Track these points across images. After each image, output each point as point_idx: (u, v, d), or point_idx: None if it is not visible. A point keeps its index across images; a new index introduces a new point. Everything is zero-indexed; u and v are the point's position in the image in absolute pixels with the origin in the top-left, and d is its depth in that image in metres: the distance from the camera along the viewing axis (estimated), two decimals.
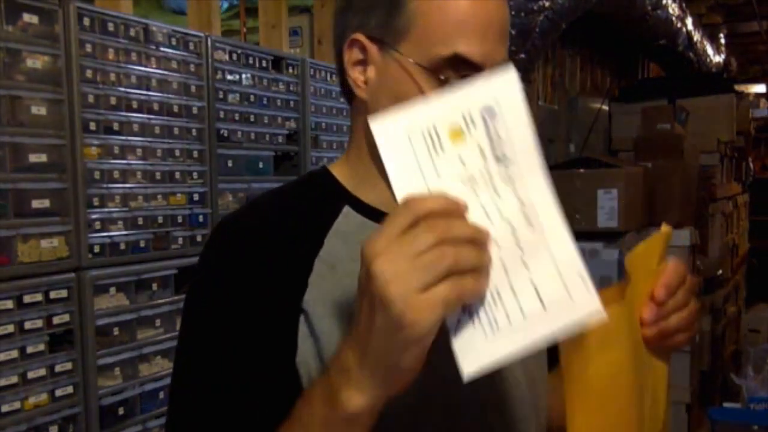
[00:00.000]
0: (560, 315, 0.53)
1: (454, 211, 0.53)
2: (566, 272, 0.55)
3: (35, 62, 1.23)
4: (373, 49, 0.73)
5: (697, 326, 0.74)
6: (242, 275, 0.71)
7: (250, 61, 1.72)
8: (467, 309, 0.53)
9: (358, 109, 0.79)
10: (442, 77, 0.69)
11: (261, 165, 1.75)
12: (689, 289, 0.69)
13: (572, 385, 0.62)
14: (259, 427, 0.67)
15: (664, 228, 0.69)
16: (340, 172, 0.81)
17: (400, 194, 0.54)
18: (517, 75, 0.57)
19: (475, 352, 0.52)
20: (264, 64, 1.76)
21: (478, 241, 0.53)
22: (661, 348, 0.70)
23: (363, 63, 0.74)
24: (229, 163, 1.65)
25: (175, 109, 1.51)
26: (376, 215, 0.76)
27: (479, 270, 0.52)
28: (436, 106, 0.56)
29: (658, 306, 0.66)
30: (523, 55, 3.38)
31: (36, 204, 1.24)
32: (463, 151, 0.55)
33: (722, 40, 6.87)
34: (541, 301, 0.53)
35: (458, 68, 0.69)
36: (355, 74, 0.75)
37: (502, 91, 0.56)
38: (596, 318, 0.54)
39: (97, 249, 1.34)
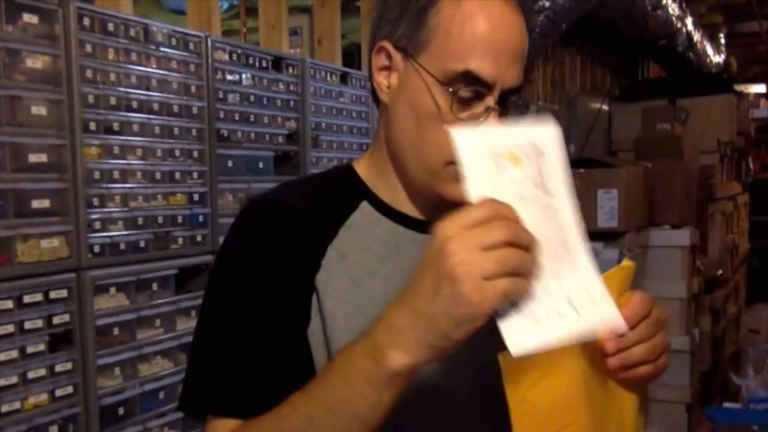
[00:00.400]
0: (589, 318, 0.64)
1: (519, 220, 0.61)
2: (591, 288, 0.67)
3: (35, 62, 1.23)
4: (397, 57, 0.80)
5: (665, 360, 0.72)
6: (264, 250, 0.79)
7: (250, 61, 1.72)
8: (513, 303, 0.61)
9: (382, 112, 0.85)
10: (452, 89, 0.75)
11: (261, 165, 1.75)
12: (654, 322, 0.71)
13: (515, 407, 0.66)
14: (272, 387, 0.72)
15: (626, 262, 0.73)
16: (362, 168, 0.88)
17: (474, 194, 0.63)
18: (560, 129, 0.68)
19: (520, 336, 0.60)
20: (264, 64, 1.76)
21: (534, 249, 0.61)
22: (628, 379, 0.71)
23: (388, 69, 0.81)
24: (229, 163, 1.65)
25: (175, 109, 1.51)
26: (390, 212, 0.84)
27: (533, 273, 0.60)
28: (501, 133, 0.67)
29: (618, 336, 0.68)
30: None
31: (36, 204, 1.24)
32: (519, 174, 0.65)
33: (722, 40, 6.86)
34: (572, 305, 0.64)
35: (469, 84, 0.75)
36: (380, 79, 0.82)
37: (549, 137, 0.68)
38: (617, 325, 0.65)
39: (97, 249, 1.34)
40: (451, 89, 0.75)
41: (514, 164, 0.65)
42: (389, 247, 0.82)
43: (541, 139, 0.67)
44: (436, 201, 0.81)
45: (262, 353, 0.76)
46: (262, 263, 0.78)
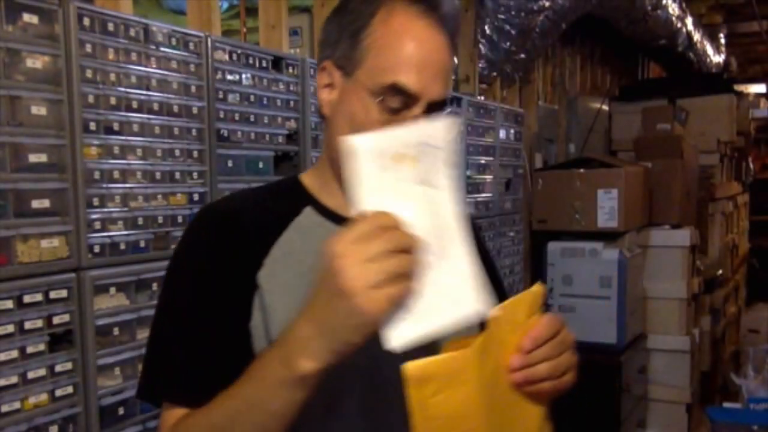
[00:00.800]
0: (464, 307, 0.70)
1: (399, 225, 0.68)
2: (467, 278, 0.71)
3: (35, 62, 1.23)
4: (336, 74, 0.90)
5: (570, 377, 0.80)
6: (208, 252, 0.89)
7: (250, 61, 1.72)
8: (401, 303, 0.68)
9: (326, 126, 0.95)
10: (381, 100, 0.85)
11: (261, 165, 1.75)
12: (560, 342, 0.77)
13: (416, 412, 0.71)
14: (213, 377, 0.81)
15: (536, 287, 0.77)
16: (308, 179, 0.99)
17: (357, 203, 0.69)
18: (458, 122, 0.72)
19: (399, 331, 0.67)
20: (264, 64, 1.76)
21: (415, 250, 0.68)
22: (533, 393, 0.77)
23: (330, 86, 0.91)
24: (229, 163, 1.65)
25: (175, 109, 1.51)
26: (332, 217, 0.94)
27: (416, 273, 0.68)
28: (389, 135, 0.72)
29: (524, 354, 0.75)
30: (523, 55, 3.38)
31: (36, 204, 1.24)
32: (404, 173, 0.71)
33: (722, 40, 6.86)
34: (450, 296, 0.70)
35: (396, 95, 0.84)
36: (323, 95, 0.92)
37: (439, 131, 0.74)
38: (489, 312, 0.71)
39: (97, 249, 1.34)
40: (380, 101, 0.85)
41: (399, 163, 0.71)
42: None
43: (431, 135, 0.73)
44: None
45: (204, 346, 0.85)
46: (206, 264, 0.88)
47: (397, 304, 0.67)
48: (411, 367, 0.68)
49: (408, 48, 0.85)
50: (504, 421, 0.77)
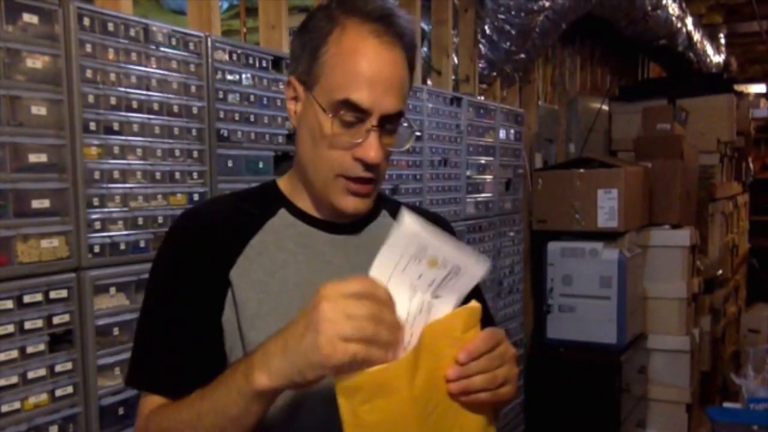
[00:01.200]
0: None
1: (389, 302, 0.74)
2: None
3: (35, 62, 1.23)
4: (300, 89, 0.97)
5: (508, 389, 0.84)
6: (184, 252, 0.96)
7: (250, 61, 1.72)
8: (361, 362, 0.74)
9: (295, 134, 1.03)
10: (335, 116, 0.91)
11: (261, 165, 1.75)
12: (498, 356, 0.81)
13: (347, 418, 0.75)
14: (187, 368, 0.91)
15: (473, 303, 0.81)
16: (283, 183, 1.06)
17: (372, 270, 0.77)
18: (486, 270, 0.81)
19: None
20: (264, 64, 1.76)
21: (394, 329, 0.74)
22: (470, 403, 0.81)
23: (295, 99, 0.98)
24: (229, 163, 1.65)
25: (175, 109, 1.51)
26: (304, 217, 1.01)
27: (383, 348, 0.73)
28: (441, 241, 0.78)
29: (460, 366, 0.79)
30: (523, 55, 3.38)
31: (36, 204, 1.24)
32: (426, 273, 0.78)
33: (722, 40, 6.86)
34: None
35: (349, 110, 0.91)
36: (290, 106, 0.99)
37: (475, 270, 0.80)
38: None
39: (97, 249, 1.34)
40: (336, 116, 0.91)
41: (429, 265, 0.78)
42: (302, 244, 0.99)
43: (468, 265, 0.79)
44: (332, 209, 0.99)
45: (179, 340, 0.92)
46: (182, 263, 0.95)
47: (355, 363, 0.72)
48: (341, 378, 0.73)
49: (358, 65, 0.91)
50: (440, 430, 0.81)
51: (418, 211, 1.16)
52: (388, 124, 0.94)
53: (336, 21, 0.93)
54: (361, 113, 0.91)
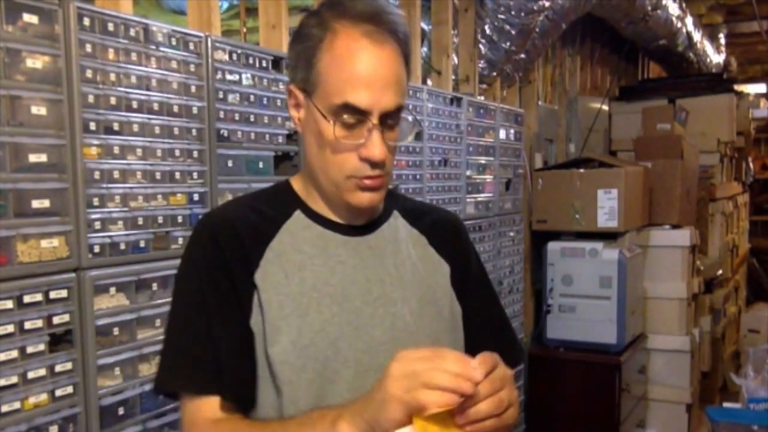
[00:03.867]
0: None
1: (455, 357, 0.78)
2: None
3: (35, 62, 1.23)
4: (300, 96, 0.99)
5: (513, 412, 0.84)
6: (216, 256, 0.97)
7: (250, 61, 1.72)
8: None
9: (301, 139, 1.07)
10: (336, 120, 0.93)
11: (261, 165, 1.75)
12: (500, 378, 0.80)
13: None
14: (232, 369, 0.93)
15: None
16: (297, 184, 1.07)
17: None
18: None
19: None
20: (264, 64, 1.76)
21: (457, 377, 0.76)
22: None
23: (297, 105, 1.00)
24: (229, 163, 1.65)
25: (175, 109, 1.51)
26: (319, 219, 1.03)
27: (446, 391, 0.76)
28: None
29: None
30: (523, 55, 3.38)
31: (36, 204, 1.24)
32: None
33: (722, 40, 6.86)
34: None
35: (350, 113, 0.92)
36: (293, 113, 1.01)
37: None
38: None
39: (97, 249, 1.34)
40: (337, 120, 0.93)
41: None
42: (318, 247, 1.01)
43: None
44: (347, 208, 1.01)
45: (218, 342, 0.94)
46: (211, 269, 0.96)
47: (415, 409, 0.76)
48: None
49: (353, 68, 0.92)
50: None
51: (430, 210, 1.19)
52: (389, 119, 0.95)
53: (327, 26, 0.94)
54: (361, 114, 0.93)
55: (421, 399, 0.75)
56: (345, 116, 0.93)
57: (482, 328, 1.12)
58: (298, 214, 1.03)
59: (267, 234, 1.00)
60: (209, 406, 0.93)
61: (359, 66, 0.92)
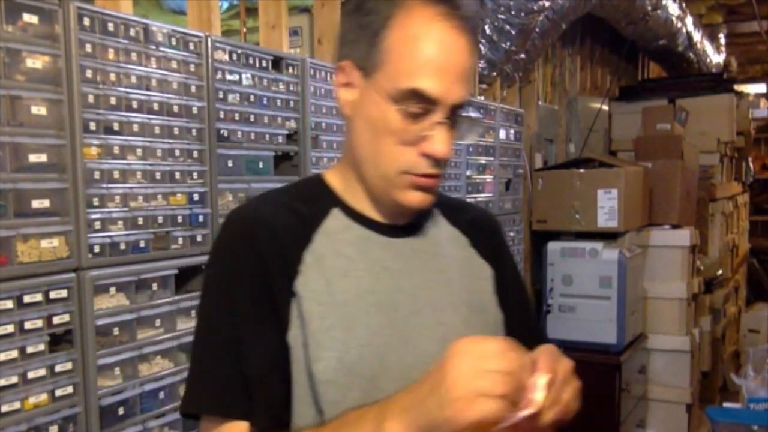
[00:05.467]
0: None
1: (524, 361, 0.71)
2: None
3: (35, 62, 1.23)
4: (356, 75, 0.87)
5: (576, 406, 0.78)
6: (250, 261, 0.85)
7: (250, 61, 1.72)
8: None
9: (346, 125, 0.93)
10: (402, 107, 0.83)
11: (261, 165, 1.75)
12: (564, 380, 0.76)
13: None
14: (251, 391, 0.82)
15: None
16: (332, 178, 0.96)
17: None
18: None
19: None
20: (264, 64, 1.76)
21: (522, 381, 0.70)
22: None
23: (348, 86, 0.89)
24: (229, 163, 1.65)
25: (175, 109, 1.51)
26: (358, 218, 0.92)
27: (514, 401, 0.69)
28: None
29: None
30: (523, 55, 3.38)
31: (36, 204, 1.24)
32: None
33: (722, 40, 6.86)
34: None
35: (417, 101, 0.83)
36: (342, 94, 0.90)
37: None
38: None
39: (97, 249, 1.34)
40: (401, 107, 0.83)
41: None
42: (360, 250, 0.90)
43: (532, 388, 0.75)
44: (394, 206, 0.91)
45: (251, 359, 0.83)
46: (247, 275, 0.85)
47: (486, 420, 0.68)
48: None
49: (426, 51, 0.82)
50: None
51: (466, 207, 1.10)
52: (455, 114, 0.86)
53: (398, 2, 0.84)
54: (428, 104, 0.83)
55: (501, 413, 0.68)
56: (411, 104, 0.83)
57: (521, 337, 1.03)
58: (335, 213, 0.92)
59: (305, 236, 0.88)
60: (236, 431, 0.82)
61: (433, 50, 0.82)
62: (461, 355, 0.70)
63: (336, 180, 0.95)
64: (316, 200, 0.93)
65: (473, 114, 0.93)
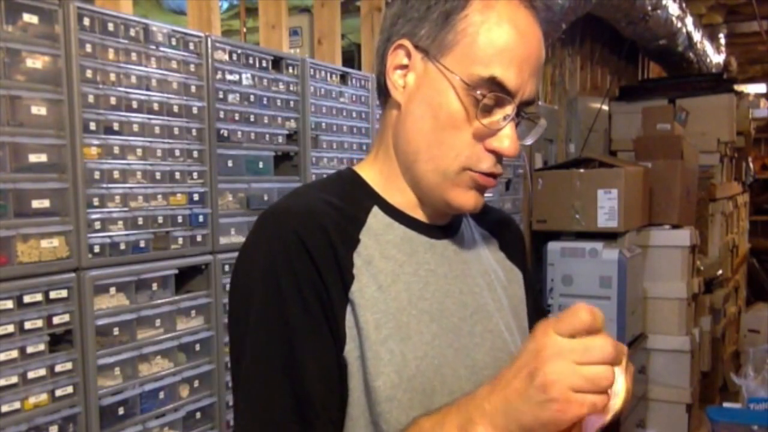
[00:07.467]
0: None
1: (615, 345, 0.64)
2: None
3: (35, 62, 1.23)
4: (416, 57, 0.79)
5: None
6: (302, 264, 0.74)
7: (250, 61, 1.72)
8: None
9: (390, 111, 0.84)
10: (472, 93, 0.75)
11: (261, 165, 1.75)
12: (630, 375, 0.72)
13: None
14: (307, 415, 0.72)
15: None
16: (367, 172, 0.87)
17: None
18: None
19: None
20: (264, 64, 1.76)
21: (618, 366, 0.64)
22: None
23: (404, 68, 0.80)
24: (229, 163, 1.65)
25: (175, 109, 1.51)
26: (400, 217, 0.84)
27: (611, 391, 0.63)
28: None
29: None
30: None
31: (36, 204, 1.24)
32: None
33: (722, 40, 6.86)
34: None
35: (493, 90, 0.75)
36: (395, 77, 0.81)
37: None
38: None
39: (97, 249, 1.34)
40: (472, 94, 0.75)
41: None
42: (405, 252, 0.82)
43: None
44: (443, 206, 0.83)
45: (298, 381, 0.73)
46: (299, 282, 0.73)
47: (590, 413, 0.63)
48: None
49: (509, 39, 0.75)
50: None
51: (489, 207, 1.02)
52: (522, 113, 0.79)
53: None
54: (504, 95, 0.76)
55: (592, 406, 0.61)
56: (484, 94, 0.75)
57: None
58: (376, 211, 0.83)
59: (352, 236, 0.79)
60: None
61: (517, 38, 0.75)
62: (548, 348, 0.63)
63: (372, 175, 0.86)
64: (353, 197, 0.83)
65: (541, 120, 0.83)
